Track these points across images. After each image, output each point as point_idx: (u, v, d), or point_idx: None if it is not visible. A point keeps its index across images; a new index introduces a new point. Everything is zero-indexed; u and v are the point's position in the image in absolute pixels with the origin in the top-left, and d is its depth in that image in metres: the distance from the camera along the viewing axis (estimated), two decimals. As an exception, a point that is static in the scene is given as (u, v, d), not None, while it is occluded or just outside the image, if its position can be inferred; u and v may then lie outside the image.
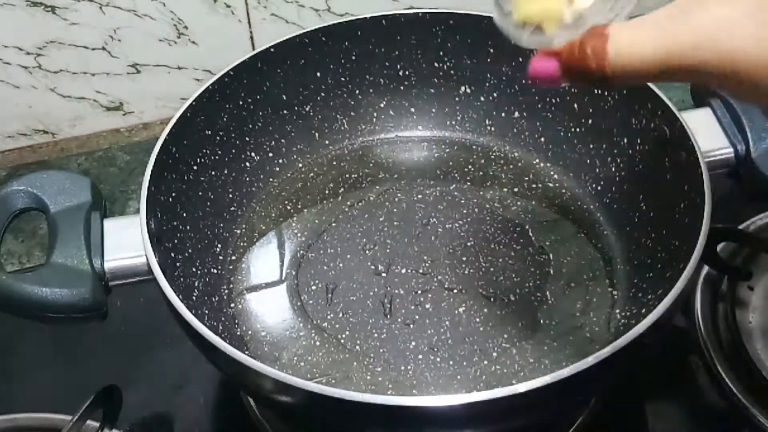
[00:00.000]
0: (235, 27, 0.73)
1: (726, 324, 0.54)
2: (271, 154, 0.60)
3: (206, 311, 0.49)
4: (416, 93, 0.63)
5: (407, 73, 0.62)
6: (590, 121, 0.57)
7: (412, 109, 0.63)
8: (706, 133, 0.50)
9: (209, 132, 0.55)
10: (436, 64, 0.61)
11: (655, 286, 0.47)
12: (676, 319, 0.43)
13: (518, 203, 0.58)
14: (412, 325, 0.51)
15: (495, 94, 0.61)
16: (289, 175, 0.61)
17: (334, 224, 0.57)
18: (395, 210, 0.58)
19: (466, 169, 0.61)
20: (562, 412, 0.49)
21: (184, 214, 0.51)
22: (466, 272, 0.53)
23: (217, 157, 0.56)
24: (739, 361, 0.52)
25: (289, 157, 0.61)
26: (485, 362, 0.48)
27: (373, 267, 0.54)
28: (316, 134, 0.62)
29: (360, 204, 0.59)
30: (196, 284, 0.50)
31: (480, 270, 0.53)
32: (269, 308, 0.52)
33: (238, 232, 0.57)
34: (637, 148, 0.54)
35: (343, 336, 0.50)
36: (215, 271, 0.53)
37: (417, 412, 0.36)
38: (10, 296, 0.43)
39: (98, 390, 0.47)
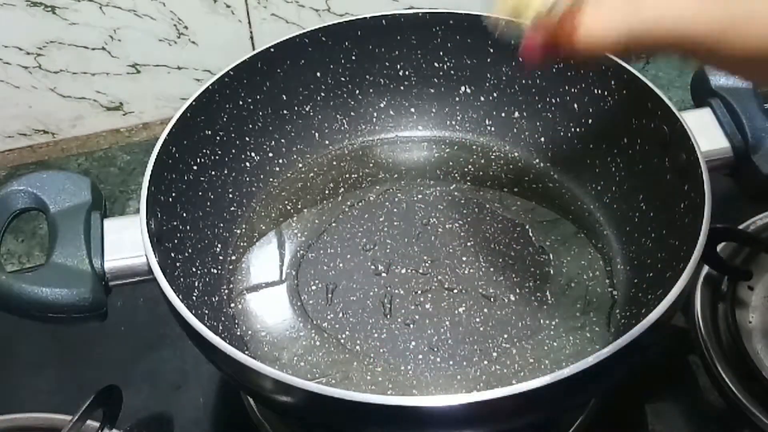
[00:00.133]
0: (235, 27, 0.73)
1: (726, 324, 0.53)
2: (271, 154, 0.60)
3: (206, 311, 0.49)
4: (416, 93, 0.63)
5: (407, 73, 0.62)
6: (590, 121, 0.57)
7: (412, 109, 0.63)
8: (706, 133, 0.50)
9: (209, 132, 0.55)
10: (436, 64, 0.61)
11: (655, 286, 0.47)
12: (676, 319, 0.43)
13: (518, 203, 0.58)
14: (412, 325, 0.51)
15: (495, 94, 0.61)
16: (289, 175, 0.61)
17: (334, 224, 0.57)
18: (395, 210, 0.58)
19: (466, 169, 0.61)
20: (562, 412, 0.49)
21: (184, 214, 0.51)
22: (466, 272, 0.53)
23: (217, 157, 0.56)
24: (739, 361, 0.51)
25: (289, 157, 0.61)
26: (485, 362, 0.48)
27: (373, 267, 0.54)
28: (316, 134, 0.62)
29: (360, 204, 0.59)
30: (196, 284, 0.50)
31: (480, 270, 0.54)
32: (269, 308, 0.52)
33: (238, 232, 0.57)
34: (637, 148, 0.54)
35: (343, 336, 0.50)
36: (215, 271, 0.53)
37: (417, 412, 0.36)
38: (10, 296, 0.43)
39: (98, 390, 0.47)
